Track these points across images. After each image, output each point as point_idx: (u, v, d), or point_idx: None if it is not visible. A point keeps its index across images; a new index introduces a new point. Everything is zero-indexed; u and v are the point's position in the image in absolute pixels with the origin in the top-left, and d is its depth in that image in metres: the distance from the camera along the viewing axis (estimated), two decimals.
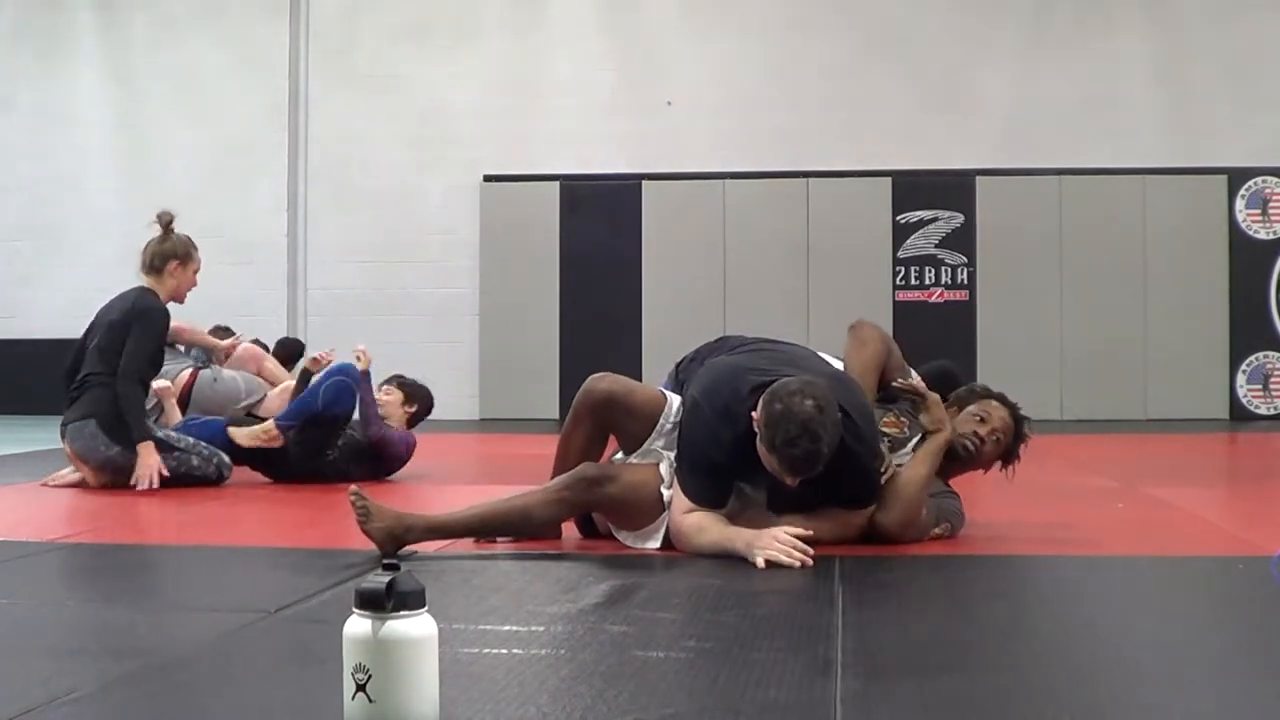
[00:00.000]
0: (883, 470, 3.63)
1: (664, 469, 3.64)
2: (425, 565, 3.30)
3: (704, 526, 3.45)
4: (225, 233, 11.10)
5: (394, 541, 3.47)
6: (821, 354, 3.91)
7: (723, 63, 11.45)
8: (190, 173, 11.59)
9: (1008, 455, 3.89)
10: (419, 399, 6.01)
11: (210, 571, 3.54)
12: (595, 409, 3.77)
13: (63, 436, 5.38)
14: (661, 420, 3.68)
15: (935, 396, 3.78)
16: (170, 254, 5.43)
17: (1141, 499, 5.02)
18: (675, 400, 3.74)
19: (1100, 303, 10.94)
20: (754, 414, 3.37)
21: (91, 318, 5.55)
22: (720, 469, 3.50)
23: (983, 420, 3.83)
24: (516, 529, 3.63)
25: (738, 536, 3.38)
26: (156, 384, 5.75)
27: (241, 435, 5.49)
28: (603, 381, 3.78)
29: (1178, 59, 11.09)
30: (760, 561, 3.27)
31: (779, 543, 3.31)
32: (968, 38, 11.29)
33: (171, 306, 5.55)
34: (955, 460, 3.83)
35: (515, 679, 2.21)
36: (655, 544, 3.62)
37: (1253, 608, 2.95)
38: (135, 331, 5.30)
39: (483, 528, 3.63)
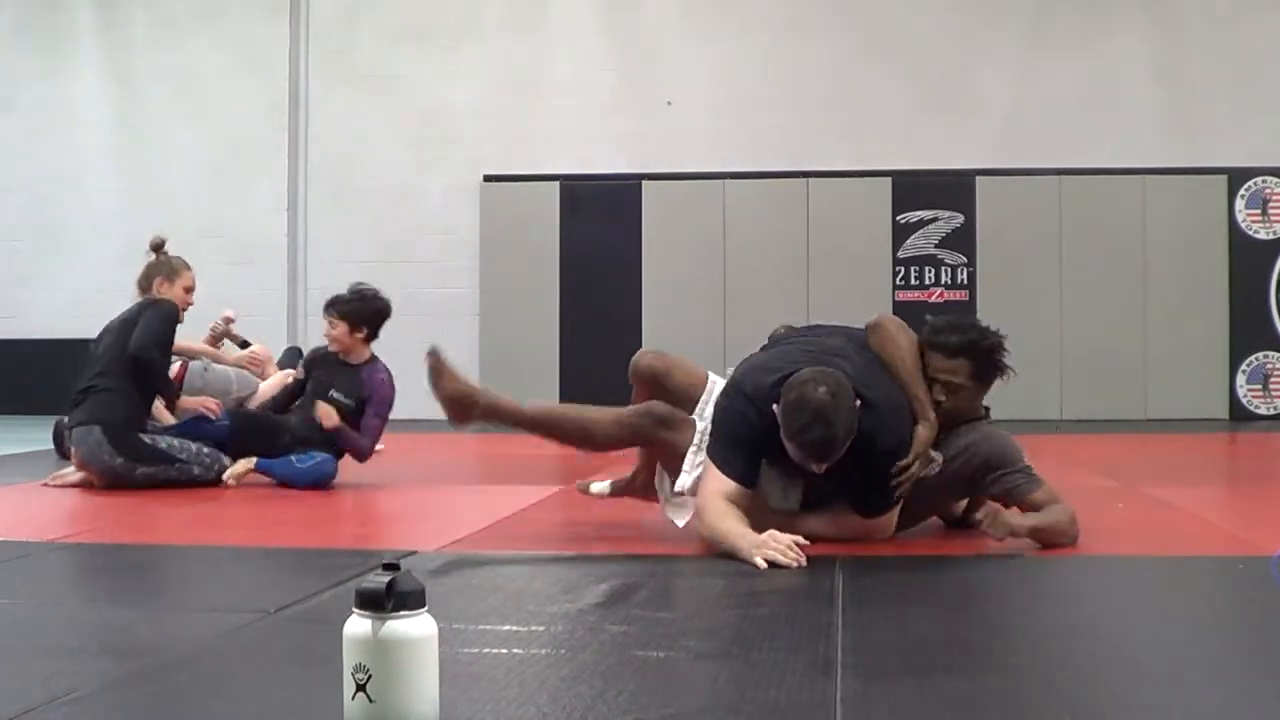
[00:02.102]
0: (898, 478, 3.60)
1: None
2: (425, 565, 3.30)
3: (725, 513, 3.48)
4: (225, 233, 11.11)
5: (457, 407, 3.69)
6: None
7: (723, 63, 11.43)
8: (190, 173, 11.58)
9: (984, 378, 3.78)
10: (367, 318, 5.37)
11: (210, 571, 3.55)
12: (640, 381, 3.96)
13: (64, 438, 5.40)
14: (704, 399, 3.82)
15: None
16: (155, 272, 5.59)
17: (1141, 499, 5.02)
18: (720, 383, 3.85)
19: (1100, 302, 10.92)
20: (775, 406, 3.44)
21: (92, 318, 5.60)
22: (748, 444, 3.56)
23: (933, 381, 3.72)
24: (573, 439, 3.75)
25: (746, 536, 3.39)
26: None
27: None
28: (644, 358, 3.99)
29: (1178, 59, 11.08)
30: (760, 562, 3.28)
31: (776, 542, 3.32)
32: (968, 38, 11.27)
33: None
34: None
35: (515, 679, 2.21)
36: (682, 521, 3.77)
37: (1253, 608, 2.95)
38: (147, 315, 5.41)
39: (542, 426, 3.76)
